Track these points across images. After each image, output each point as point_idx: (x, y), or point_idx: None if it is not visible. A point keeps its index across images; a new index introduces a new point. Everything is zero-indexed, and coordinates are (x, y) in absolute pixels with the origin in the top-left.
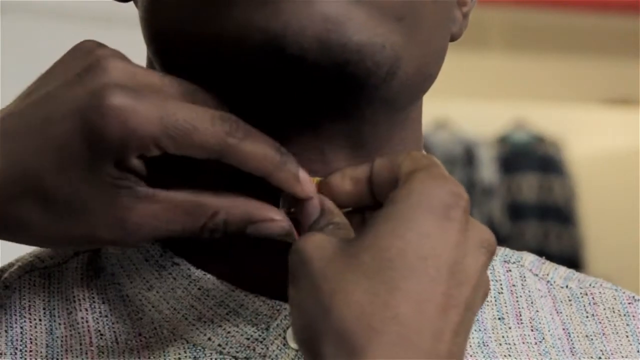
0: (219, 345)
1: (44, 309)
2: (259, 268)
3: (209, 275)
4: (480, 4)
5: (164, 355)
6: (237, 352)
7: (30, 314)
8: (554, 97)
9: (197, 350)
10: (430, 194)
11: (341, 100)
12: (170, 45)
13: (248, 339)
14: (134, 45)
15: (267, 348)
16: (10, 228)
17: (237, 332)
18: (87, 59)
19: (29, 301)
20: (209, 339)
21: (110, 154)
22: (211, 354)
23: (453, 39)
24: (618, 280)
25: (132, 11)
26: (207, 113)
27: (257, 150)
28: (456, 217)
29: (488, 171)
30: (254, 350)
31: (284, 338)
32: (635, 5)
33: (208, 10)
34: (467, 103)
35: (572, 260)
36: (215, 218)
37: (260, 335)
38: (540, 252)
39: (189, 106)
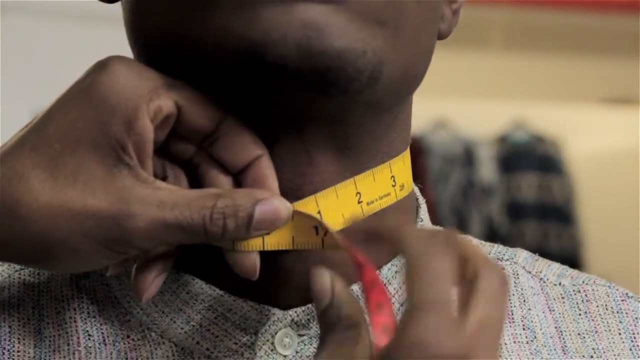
0: (207, 349)
1: (32, 307)
2: None
3: (197, 280)
4: (480, 4)
5: (152, 358)
6: (226, 356)
7: (19, 312)
8: (553, 97)
9: (186, 354)
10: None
11: (324, 106)
12: (154, 48)
13: (236, 343)
14: None
15: (255, 353)
16: (12, 186)
17: (225, 336)
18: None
19: (18, 300)
20: (197, 342)
21: (120, 107)
22: (199, 358)
23: (442, 37)
24: (618, 280)
25: None
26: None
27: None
28: None
29: (487, 171)
30: (242, 355)
31: (272, 343)
32: (635, 5)
33: (190, 16)
34: (467, 102)
35: (572, 259)
36: (220, 201)
37: (248, 340)
38: (540, 251)
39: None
